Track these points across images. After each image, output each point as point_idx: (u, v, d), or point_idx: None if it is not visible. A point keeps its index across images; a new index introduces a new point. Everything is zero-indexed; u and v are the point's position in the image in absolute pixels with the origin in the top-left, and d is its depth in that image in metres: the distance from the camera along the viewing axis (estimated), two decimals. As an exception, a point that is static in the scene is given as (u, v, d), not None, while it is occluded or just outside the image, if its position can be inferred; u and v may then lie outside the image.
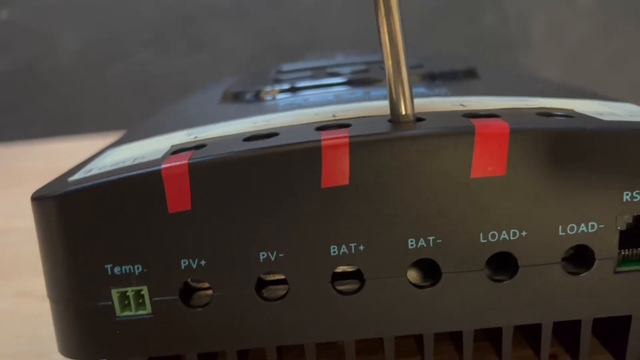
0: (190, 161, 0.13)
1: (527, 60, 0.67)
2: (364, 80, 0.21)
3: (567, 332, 0.15)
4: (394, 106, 0.14)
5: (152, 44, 0.71)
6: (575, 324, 0.15)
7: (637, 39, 0.68)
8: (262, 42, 0.70)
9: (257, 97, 0.21)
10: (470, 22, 0.70)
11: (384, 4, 0.13)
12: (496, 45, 0.69)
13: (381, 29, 0.13)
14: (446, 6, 0.69)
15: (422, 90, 0.18)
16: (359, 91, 0.19)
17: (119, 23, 0.71)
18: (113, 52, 0.71)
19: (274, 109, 0.18)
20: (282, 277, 0.14)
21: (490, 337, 0.16)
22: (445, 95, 0.17)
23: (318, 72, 0.24)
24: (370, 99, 0.18)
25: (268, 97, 0.20)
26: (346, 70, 0.23)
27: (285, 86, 0.21)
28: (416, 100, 0.14)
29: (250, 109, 0.19)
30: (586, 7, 0.68)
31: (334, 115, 0.15)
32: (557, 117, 0.14)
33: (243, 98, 0.21)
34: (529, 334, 0.16)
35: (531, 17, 0.69)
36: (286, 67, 0.27)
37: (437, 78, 0.21)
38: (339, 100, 0.18)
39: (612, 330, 0.15)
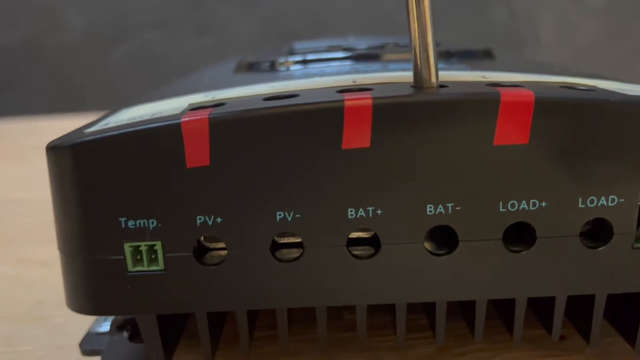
0: (210, 116, 0.13)
1: (535, 58, 0.67)
2: (380, 55, 0.21)
3: (578, 314, 0.15)
4: (417, 71, 0.13)
5: (159, 25, 0.71)
6: (588, 306, 0.14)
7: (645, 41, 0.68)
8: (269, 28, 0.69)
9: (272, 67, 0.20)
10: (478, 18, 0.70)
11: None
12: (505, 42, 0.69)
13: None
14: (455, 2, 0.68)
15: (441, 65, 0.18)
16: (376, 65, 0.19)
17: (126, 3, 0.70)
18: (119, 32, 0.70)
19: (290, 78, 0.18)
20: (297, 240, 0.14)
21: (502, 315, 0.16)
22: (465, 69, 0.17)
23: (332, 48, 0.24)
24: (389, 70, 0.17)
25: (282, 68, 0.20)
26: (361, 46, 0.23)
27: (300, 58, 0.21)
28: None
29: (266, 77, 0.18)
30: (595, 7, 0.68)
31: (354, 82, 0.15)
32: (580, 90, 0.14)
33: (258, 68, 0.21)
34: (540, 314, 0.16)
35: (540, 16, 0.69)
36: (299, 44, 0.27)
37: (454, 56, 0.20)
38: (356, 71, 0.18)
39: (624, 313, 0.15)
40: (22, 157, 0.46)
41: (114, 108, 0.17)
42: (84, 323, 0.19)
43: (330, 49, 0.23)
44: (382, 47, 0.22)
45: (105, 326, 0.18)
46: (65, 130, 0.15)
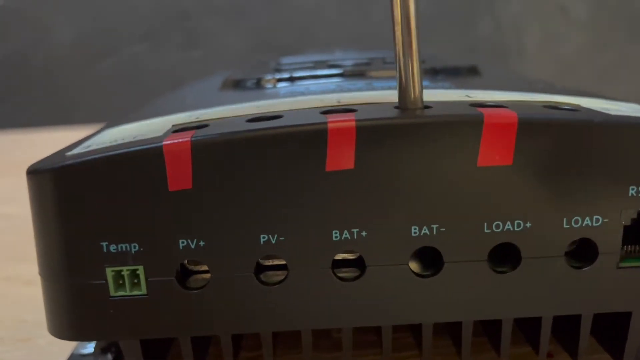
0: (193, 139, 0.13)
1: (521, 70, 0.68)
2: (366, 72, 0.21)
3: (565, 331, 0.15)
4: (402, 91, 0.13)
5: (146, 38, 0.71)
6: (574, 323, 0.14)
7: (629, 52, 0.69)
8: (257, 40, 0.69)
9: (258, 84, 0.20)
10: (465, 30, 0.70)
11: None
12: (491, 53, 0.69)
13: (395, 9, 0.13)
14: (440, 15, 0.69)
15: (426, 83, 0.18)
16: (362, 82, 0.19)
17: (114, 16, 0.70)
18: (106, 45, 0.70)
19: (276, 96, 0.18)
20: (281, 262, 0.14)
21: (489, 333, 0.16)
22: (449, 88, 0.17)
23: (318, 64, 0.24)
24: (373, 89, 0.17)
25: (269, 85, 0.20)
26: (347, 63, 0.23)
27: (286, 75, 0.21)
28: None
29: (251, 96, 0.18)
30: (580, 19, 0.69)
31: (338, 101, 0.15)
32: (564, 110, 0.14)
33: (244, 85, 0.21)
34: (527, 332, 0.16)
35: (525, 28, 0.70)
36: (286, 59, 0.27)
37: (440, 73, 0.20)
38: (341, 90, 0.18)
39: (610, 330, 0.15)
40: (8, 172, 0.46)
41: (98, 129, 0.17)
42: (68, 345, 0.18)
43: (316, 65, 0.23)
44: (368, 63, 0.22)
45: (89, 348, 0.18)
46: (53, 143, 0.14)
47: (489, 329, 0.16)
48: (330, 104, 0.15)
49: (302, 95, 0.17)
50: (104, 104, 0.69)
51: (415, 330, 0.16)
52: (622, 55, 0.69)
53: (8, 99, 0.70)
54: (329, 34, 0.68)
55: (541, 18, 0.69)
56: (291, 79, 0.20)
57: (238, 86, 0.21)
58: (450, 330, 0.16)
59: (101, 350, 0.17)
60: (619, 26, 0.69)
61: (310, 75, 0.20)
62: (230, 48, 0.69)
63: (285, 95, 0.17)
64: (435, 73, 0.20)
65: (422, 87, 0.13)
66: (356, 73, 0.21)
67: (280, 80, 0.20)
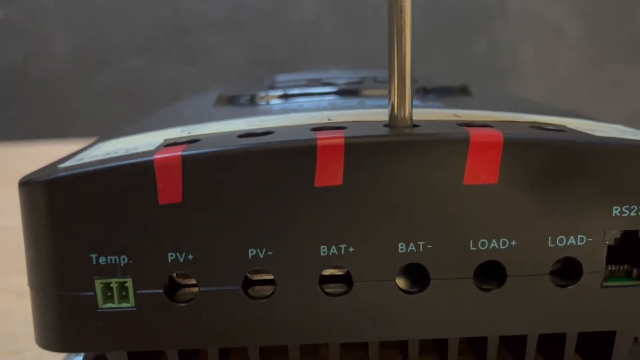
0: (183, 153, 0.13)
1: (515, 89, 0.68)
2: (358, 90, 0.21)
3: (551, 349, 0.15)
4: (393, 110, 0.14)
5: (144, 52, 0.71)
6: (560, 342, 0.15)
7: (622, 72, 0.70)
8: (254, 56, 0.70)
9: (252, 101, 0.21)
10: (459, 49, 0.71)
11: (397, 4, 0.13)
12: (485, 73, 0.70)
13: (391, 28, 0.13)
14: (436, 33, 0.70)
15: (416, 102, 0.18)
16: (353, 100, 0.19)
17: (112, 30, 0.71)
18: (104, 58, 0.71)
19: (268, 113, 0.18)
20: (269, 277, 0.14)
21: (475, 350, 0.16)
22: (439, 107, 0.18)
23: (312, 82, 0.24)
24: (365, 107, 0.18)
25: (262, 102, 0.20)
26: (340, 81, 0.23)
27: (280, 92, 0.21)
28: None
29: (244, 112, 0.19)
30: (574, 39, 0.70)
31: (329, 119, 0.15)
32: (549, 130, 0.14)
33: (237, 101, 0.21)
34: (512, 349, 0.16)
35: (520, 47, 0.70)
36: (280, 77, 0.27)
37: (430, 93, 0.21)
38: (333, 107, 0.18)
39: (595, 349, 0.15)
40: (2, 184, 0.46)
41: (90, 143, 0.17)
42: (57, 358, 0.18)
43: (310, 83, 0.23)
44: (360, 82, 0.23)
45: (77, 360, 0.18)
46: (47, 156, 0.15)
47: (476, 346, 0.16)
48: (321, 122, 0.15)
49: (294, 112, 0.17)
50: (100, 117, 0.69)
51: (403, 347, 0.16)
52: (617, 76, 0.70)
53: (5, 110, 0.70)
54: (326, 49, 0.69)
55: (536, 38, 0.70)
56: (285, 96, 0.21)
57: (232, 102, 0.21)
58: (438, 349, 0.17)
59: (89, 362, 0.17)
60: (613, 47, 0.70)
61: (304, 93, 0.21)
62: (228, 63, 0.70)
63: (277, 112, 0.18)
64: (426, 92, 0.21)
65: (412, 107, 0.14)
66: (349, 91, 0.21)
67: (273, 97, 0.21)
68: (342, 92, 0.21)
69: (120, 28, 0.71)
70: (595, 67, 0.70)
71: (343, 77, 0.25)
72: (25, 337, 0.21)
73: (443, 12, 0.70)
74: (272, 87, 0.23)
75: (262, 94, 0.21)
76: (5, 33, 0.70)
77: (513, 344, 0.16)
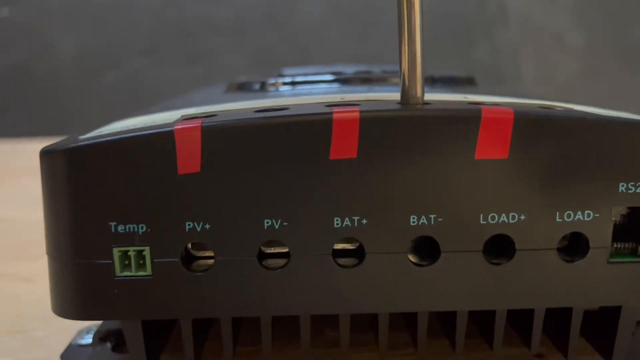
0: (203, 124, 0.13)
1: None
2: (367, 79, 0.21)
3: (556, 331, 0.16)
4: (404, 87, 0.14)
5: (148, 54, 0.71)
6: (566, 323, 0.15)
7: (623, 80, 0.70)
8: (258, 59, 0.70)
9: (262, 87, 0.21)
10: (461, 56, 0.71)
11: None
12: (486, 79, 0.70)
13: (400, 4, 0.13)
14: (437, 39, 0.70)
15: (426, 89, 0.19)
16: (363, 87, 0.20)
17: (117, 31, 0.71)
18: (109, 59, 0.71)
19: (280, 97, 0.18)
20: (283, 250, 0.14)
21: (482, 330, 0.17)
22: (448, 92, 0.18)
23: (321, 72, 0.24)
24: (375, 91, 0.18)
25: (272, 89, 0.21)
26: (349, 71, 0.23)
27: (289, 79, 0.21)
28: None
29: (255, 96, 0.19)
30: (575, 46, 0.70)
31: (342, 99, 0.16)
32: (558, 110, 0.14)
33: (248, 88, 0.21)
34: (519, 331, 0.16)
35: (521, 54, 0.71)
36: (288, 70, 0.27)
37: (438, 82, 0.21)
38: (344, 92, 0.18)
39: (600, 329, 0.16)
40: (9, 178, 0.46)
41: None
42: (65, 336, 0.19)
43: (318, 73, 0.24)
44: (368, 72, 0.23)
45: (87, 338, 0.18)
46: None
47: (483, 327, 0.17)
48: (334, 100, 0.15)
49: (305, 95, 0.18)
50: (104, 117, 0.70)
51: (411, 328, 0.17)
52: (617, 84, 0.71)
53: (8, 110, 0.71)
54: (329, 53, 0.69)
55: (537, 45, 0.71)
56: (294, 83, 0.21)
57: (242, 89, 0.21)
58: (445, 329, 0.17)
59: (100, 339, 0.18)
60: (614, 55, 0.70)
61: (313, 80, 0.21)
62: (231, 65, 0.70)
63: (289, 96, 0.18)
64: (434, 81, 0.21)
65: (423, 85, 0.14)
66: (358, 79, 0.21)
67: (283, 84, 0.21)
68: (351, 80, 0.21)
69: (125, 30, 0.71)
70: (595, 75, 0.70)
71: (350, 69, 0.25)
72: (33, 318, 0.21)
73: (444, 19, 0.70)
74: (281, 76, 0.23)
75: (272, 80, 0.21)
76: (11, 33, 0.71)
77: (520, 326, 0.16)
